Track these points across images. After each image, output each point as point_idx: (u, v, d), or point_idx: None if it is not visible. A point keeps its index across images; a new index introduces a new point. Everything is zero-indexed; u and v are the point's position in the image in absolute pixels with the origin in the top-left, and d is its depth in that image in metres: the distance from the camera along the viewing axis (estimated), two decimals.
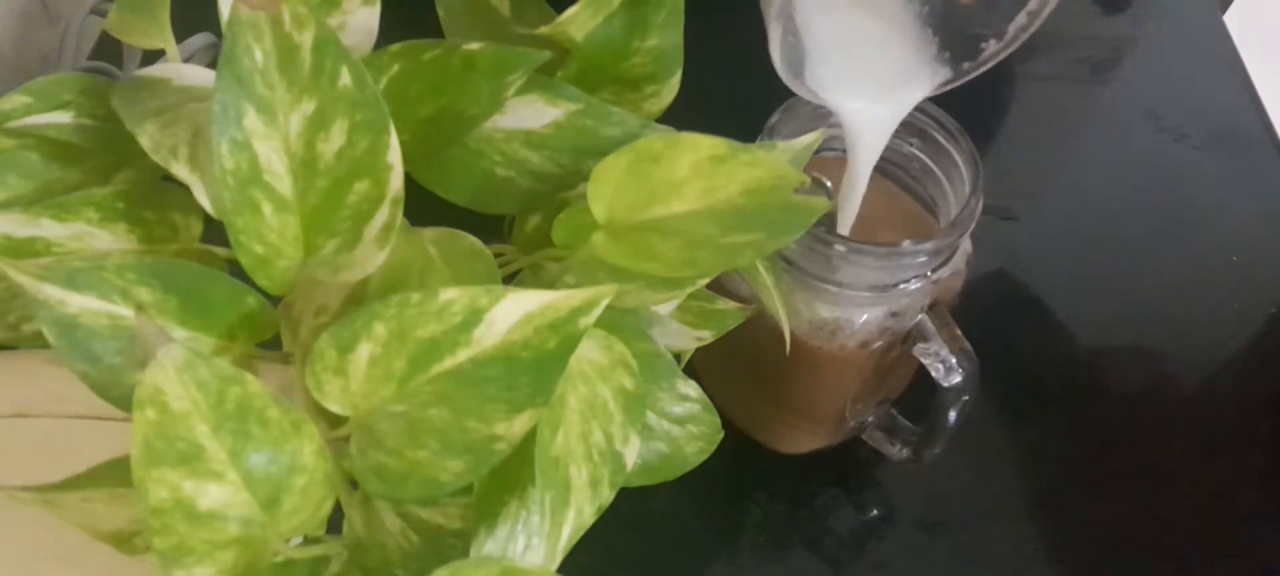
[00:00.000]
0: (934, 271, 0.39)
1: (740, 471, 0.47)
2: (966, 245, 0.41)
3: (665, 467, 0.35)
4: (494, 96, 0.32)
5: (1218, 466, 0.49)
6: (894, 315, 0.39)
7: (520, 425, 0.27)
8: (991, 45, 0.36)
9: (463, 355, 0.27)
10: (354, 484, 0.29)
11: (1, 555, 0.33)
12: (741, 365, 0.44)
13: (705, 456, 0.36)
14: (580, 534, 0.30)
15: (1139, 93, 0.64)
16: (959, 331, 0.40)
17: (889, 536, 0.46)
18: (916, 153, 0.41)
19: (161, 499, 0.25)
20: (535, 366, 0.27)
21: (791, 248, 0.38)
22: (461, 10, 0.38)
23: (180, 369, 0.25)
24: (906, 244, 0.37)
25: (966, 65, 0.36)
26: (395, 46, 0.33)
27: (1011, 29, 0.35)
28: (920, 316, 0.40)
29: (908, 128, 0.41)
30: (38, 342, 0.29)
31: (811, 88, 0.36)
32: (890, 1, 0.36)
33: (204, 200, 0.29)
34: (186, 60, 0.47)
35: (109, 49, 0.57)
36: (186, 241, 0.33)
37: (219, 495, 0.26)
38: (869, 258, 0.37)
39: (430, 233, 0.33)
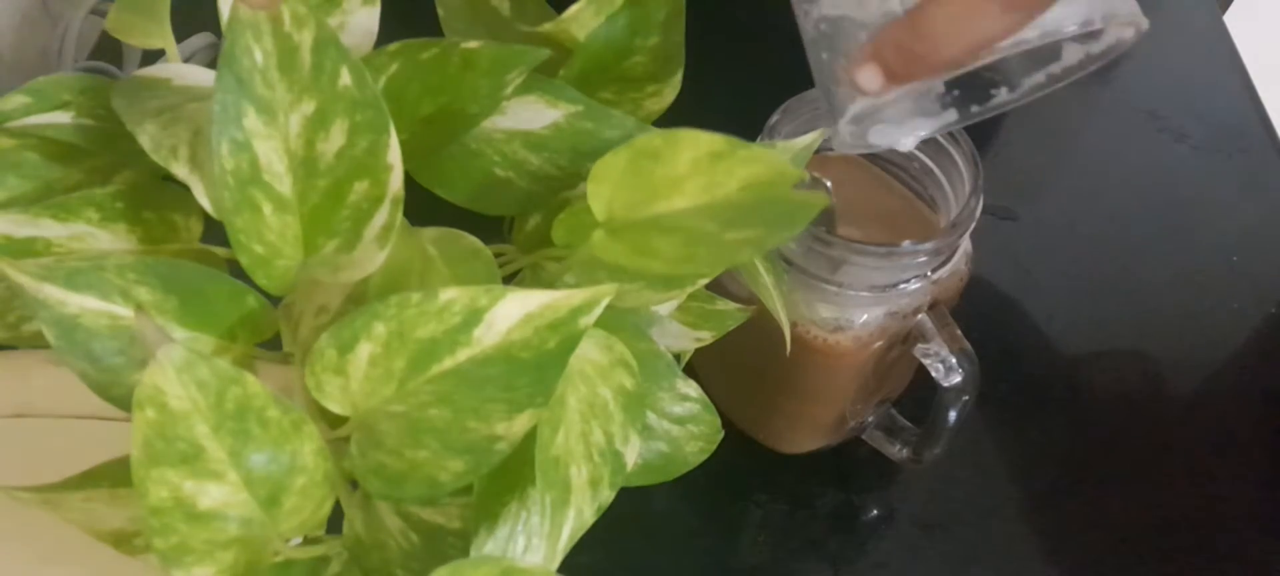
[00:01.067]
0: (934, 271, 0.39)
1: (740, 471, 0.47)
2: (966, 245, 0.41)
3: (665, 467, 0.35)
4: (493, 95, 0.32)
5: (1218, 466, 0.49)
6: (894, 315, 0.39)
7: (520, 425, 0.27)
8: (1002, 94, 0.35)
9: (463, 355, 0.27)
10: (354, 484, 0.29)
11: (1, 555, 0.33)
12: (741, 365, 0.44)
13: (705, 456, 0.36)
14: (580, 534, 0.30)
15: (1139, 93, 0.64)
16: (959, 331, 0.40)
17: (889, 536, 0.46)
18: (917, 153, 0.41)
19: (161, 499, 0.25)
20: (535, 366, 0.27)
21: (792, 247, 0.38)
22: (461, 9, 0.38)
23: (180, 369, 0.25)
24: (906, 244, 0.37)
25: (975, 108, 0.36)
26: (393, 45, 0.33)
27: (1026, 84, 0.35)
28: (920, 316, 0.40)
29: None
30: (38, 342, 0.29)
31: (855, 145, 0.36)
32: None
33: (204, 200, 0.29)
34: (186, 60, 0.47)
35: (109, 49, 0.57)
36: (186, 241, 0.33)
37: (219, 495, 0.26)
38: (869, 258, 0.37)
39: (430, 233, 0.33)
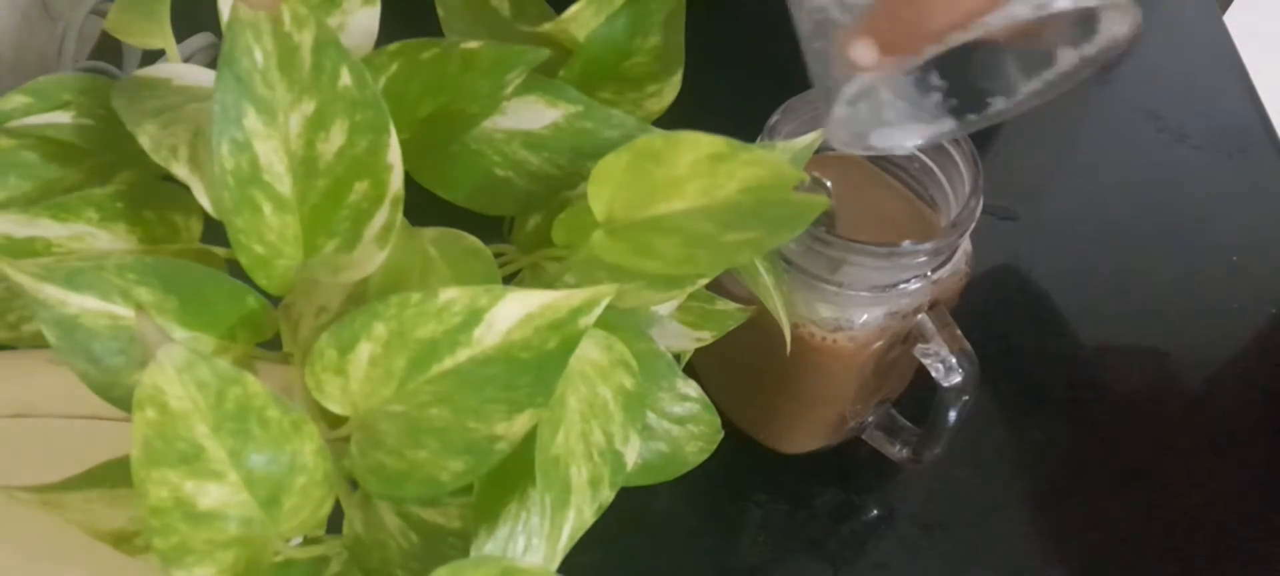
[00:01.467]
0: (934, 271, 0.39)
1: (740, 471, 0.47)
2: (966, 245, 0.41)
3: (665, 467, 0.35)
4: (493, 95, 0.32)
5: (1218, 466, 0.49)
6: (894, 315, 0.39)
7: (520, 425, 0.27)
8: (999, 103, 0.35)
9: (463, 355, 0.27)
10: (354, 484, 0.29)
11: (1, 555, 0.33)
12: (741, 365, 0.44)
13: (705, 456, 0.36)
14: (580, 534, 0.30)
15: (1139, 93, 0.64)
16: (959, 331, 0.39)
17: (889, 536, 0.46)
18: (917, 153, 0.41)
19: (161, 499, 0.25)
20: (535, 366, 0.27)
21: (792, 248, 0.38)
22: (461, 9, 0.38)
23: (180, 369, 0.25)
24: (906, 244, 0.37)
25: (972, 117, 0.36)
26: (393, 45, 0.33)
27: (1023, 92, 0.35)
28: (920, 316, 0.40)
29: None
30: (38, 342, 0.29)
31: (852, 143, 0.36)
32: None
33: (204, 200, 0.29)
34: (186, 60, 0.47)
35: (109, 49, 0.57)
36: (186, 241, 0.33)
37: (219, 495, 0.26)
38: (869, 258, 0.37)
39: (430, 233, 0.33)
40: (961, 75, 0.36)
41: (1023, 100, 0.35)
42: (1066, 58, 0.33)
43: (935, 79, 0.36)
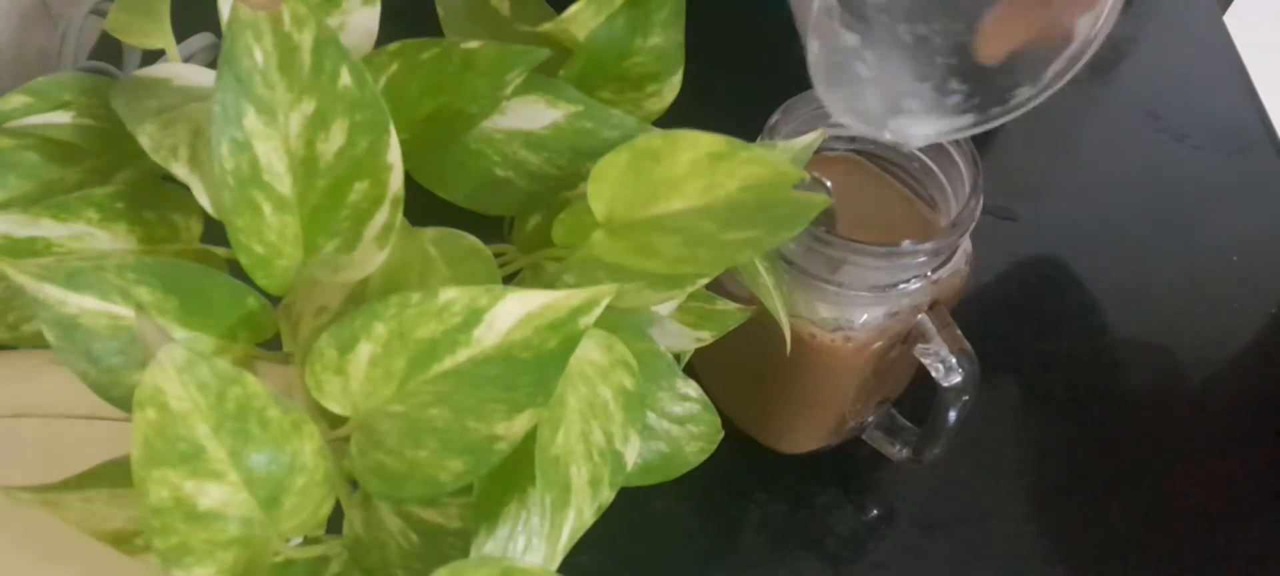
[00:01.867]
0: (934, 271, 0.39)
1: (740, 471, 0.47)
2: (966, 245, 0.41)
3: (665, 467, 0.35)
4: (493, 95, 0.32)
5: (1218, 466, 0.49)
6: (894, 315, 0.39)
7: (520, 425, 0.27)
8: (1025, 91, 0.35)
9: (463, 355, 0.27)
10: (354, 484, 0.29)
11: (1, 555, 0.33)
12: (741, 365, 0.44)
13: (705, 456, 0.36)
14: (580, 534, 0.30)
15: (1139, 93, 0.64)
16: (959, 331, 0.39)
17: (889, 536, 0.46)
18: (917, 152, 0.41)
19: (162, 499, 0.25)
20: (535, 366, 0.27)
21: (791, 248, 0.38)
22: (461, 10, 0.38)
23: (180, 369, 0.25)
24: (906, 244, 0.37)
25: (996, 110, 0.35)
26: (393, 45, 0.33)
27: (1048, 75, 0.34)
28: (920, 316, 0.40)
29: None
30: (38, 342, 0.29)
31: (855, 120, 0.36)
32: (925, 42, 0.36)
33: (204, 200, 0.29)
34: (186, 60, 0.47)
35: (109, 49, 0.57)
36: (186, 241, 0.33)
37: (219, 495, 0.26)
38: (869, 258, 0.37)
39: (430, 233, 0.33)
40: (980, 78, 0.36)
41: (1048, 83, 0.34)
42: (1083, 26, 0.33)
43: (955, 84, 0.36)
